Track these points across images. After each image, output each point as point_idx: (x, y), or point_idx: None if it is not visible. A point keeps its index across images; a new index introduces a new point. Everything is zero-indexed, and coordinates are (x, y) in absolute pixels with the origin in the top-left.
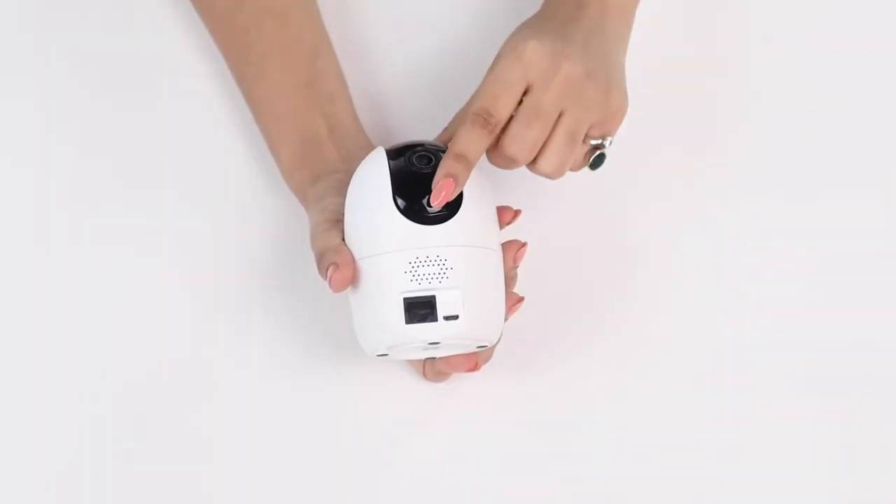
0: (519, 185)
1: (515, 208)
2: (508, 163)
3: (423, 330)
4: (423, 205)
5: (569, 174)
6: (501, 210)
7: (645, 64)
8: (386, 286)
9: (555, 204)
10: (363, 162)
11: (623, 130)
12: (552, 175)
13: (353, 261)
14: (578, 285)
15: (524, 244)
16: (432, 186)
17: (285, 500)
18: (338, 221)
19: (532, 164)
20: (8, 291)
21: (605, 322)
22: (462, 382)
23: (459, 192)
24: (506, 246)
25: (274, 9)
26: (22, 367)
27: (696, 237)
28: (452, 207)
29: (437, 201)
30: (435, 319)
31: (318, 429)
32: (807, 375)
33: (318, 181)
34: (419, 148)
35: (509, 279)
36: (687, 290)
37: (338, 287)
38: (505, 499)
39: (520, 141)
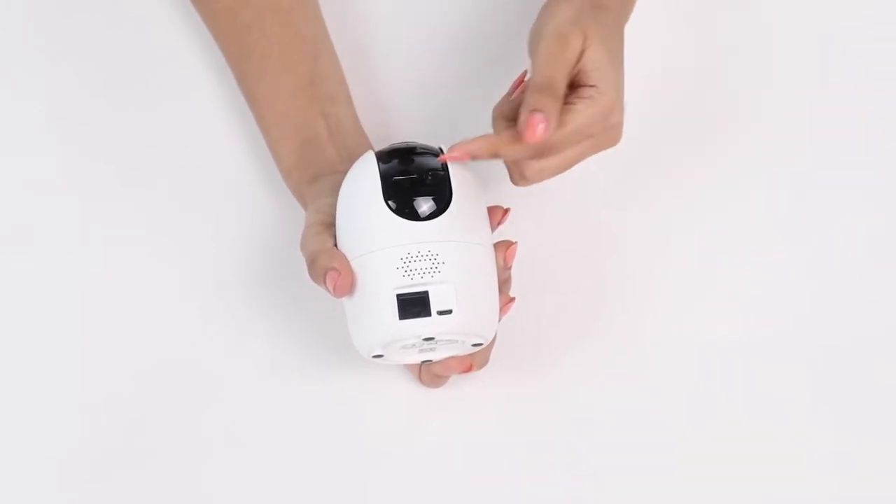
0: (509, 189)
1: (505, 207)
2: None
3: (416, 325)
4: (413, 206)
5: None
6: (491, 210)
7: (641, 62)
8: (378, 283)
9: (548, 207)
10: (353, 166)
11: None
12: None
13: (349, 264)
14: (572, 288)
15: (514, 243)
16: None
17: (282, 501)
18: (330, 225)
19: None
20: (5, 290)
21: (601, 325)
22: (458, 387)
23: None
24: (495, 246)
25: (276, 8)
26: (19, 366)
27: (690, 238)
28: (443, 204)
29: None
30: (428, 314)
31: (315, 431)
32: (804, 376)
33: (317, 181)
34: (409, 150)
35: (503, 281)
36: (681, 292)
37: (341, 293)
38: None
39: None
